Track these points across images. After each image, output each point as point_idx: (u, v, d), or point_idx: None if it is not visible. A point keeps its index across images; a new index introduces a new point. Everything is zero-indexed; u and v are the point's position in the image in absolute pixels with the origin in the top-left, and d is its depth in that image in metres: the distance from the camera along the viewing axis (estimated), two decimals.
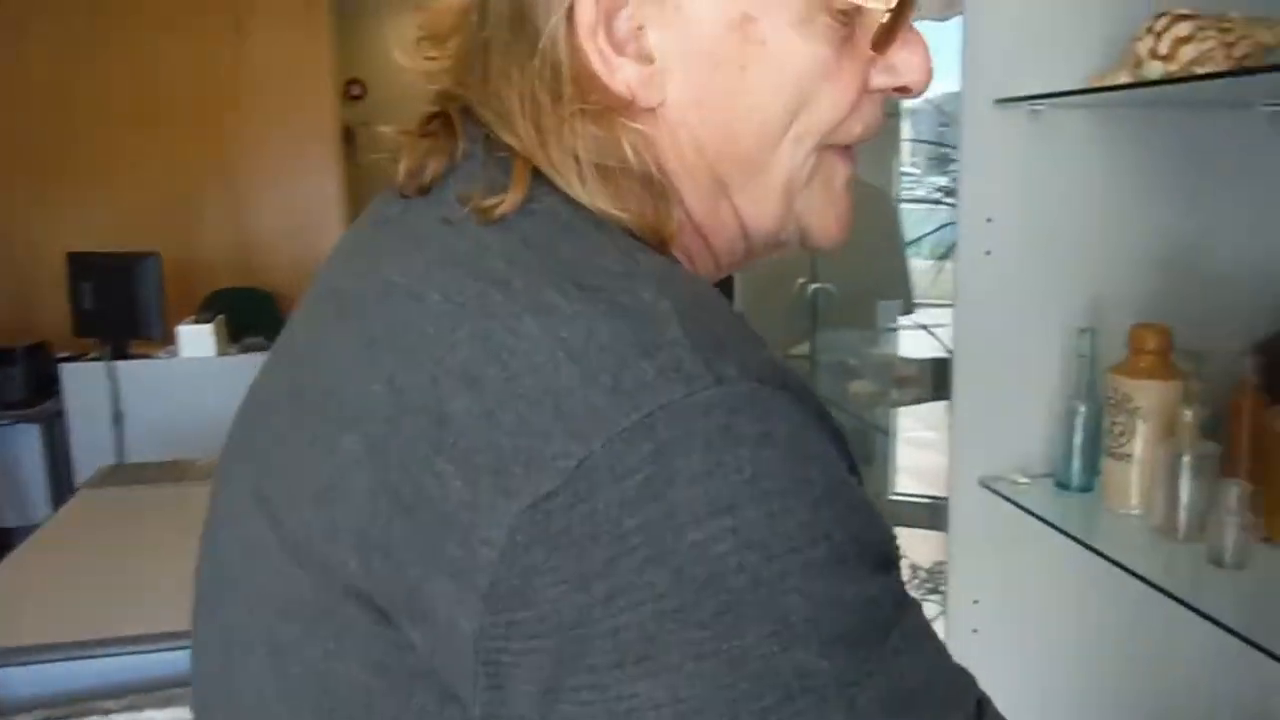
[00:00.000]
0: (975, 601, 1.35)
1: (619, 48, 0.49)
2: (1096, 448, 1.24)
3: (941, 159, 2.72)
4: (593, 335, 0.39)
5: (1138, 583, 1.05)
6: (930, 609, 2.59)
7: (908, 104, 2.59)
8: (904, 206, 2.73)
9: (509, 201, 0.46)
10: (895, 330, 2.52)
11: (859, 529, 0.40)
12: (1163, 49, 1.02)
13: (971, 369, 1.29)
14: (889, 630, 0.40)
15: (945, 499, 1.39)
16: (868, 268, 2.54)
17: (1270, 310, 1.26)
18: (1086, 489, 1.25)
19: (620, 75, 0.49)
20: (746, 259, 0.56)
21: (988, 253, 1.25)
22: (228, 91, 4.53)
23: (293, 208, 4.74)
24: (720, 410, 0.38)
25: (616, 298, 0.41)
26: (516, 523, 0.37)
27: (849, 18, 0.50)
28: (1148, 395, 1.15)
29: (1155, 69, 1.04)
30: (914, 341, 2.71)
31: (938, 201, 2.68)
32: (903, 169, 2.73)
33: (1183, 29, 1.01)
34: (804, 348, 2.55)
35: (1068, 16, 1.20)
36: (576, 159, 0.47)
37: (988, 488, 1.30)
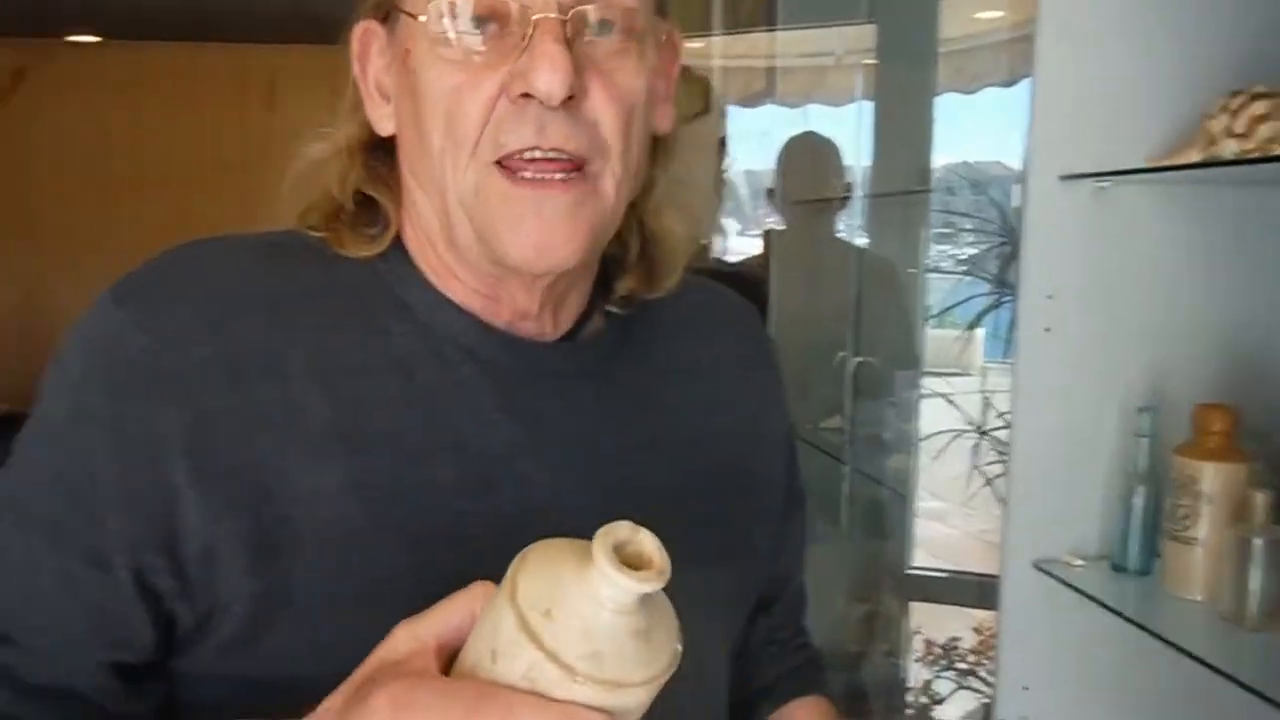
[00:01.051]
0: (1025, 688, 1.30)
1: (378, 89, 0.63)
2: (1155, 530, 1.20)
3: (967, 231, 2.73)
4: None
5: (1196, 670, 1.01)
6: (964, 697, 2.52)
7: (937, 175, 2.61)
8: (930, 277, 2.72)
9: None
10: (915, 401, 2.50)
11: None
12: (1238, 127, 1.01)
13: (1028, 447, 1.26)
14: None
15: (963, 573, 1.34)
16: (891, 339, 2.52)
17: None
18: (1144, 572, 1.21)
19: (373, 113, 0.63)
20: (494, 281, 0.62)
21: (1047, 329, 1.23)
22: (256, 156, 4.36)
23: None
24: None
25: None
26: None
27: (449, 31, 0.56)
28: (1215, 477, 1.11)
29: (1230, 147, 1.03)
30: (938, 412, 2.68)
31: (965, 273, 2.68)
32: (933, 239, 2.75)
33: (1259, 107, 1.00)
34: (835, 420, 2.52)
35: (1132, 92, 1.19)
36: None
37: (1042, 570, 1.26)
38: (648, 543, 0.43)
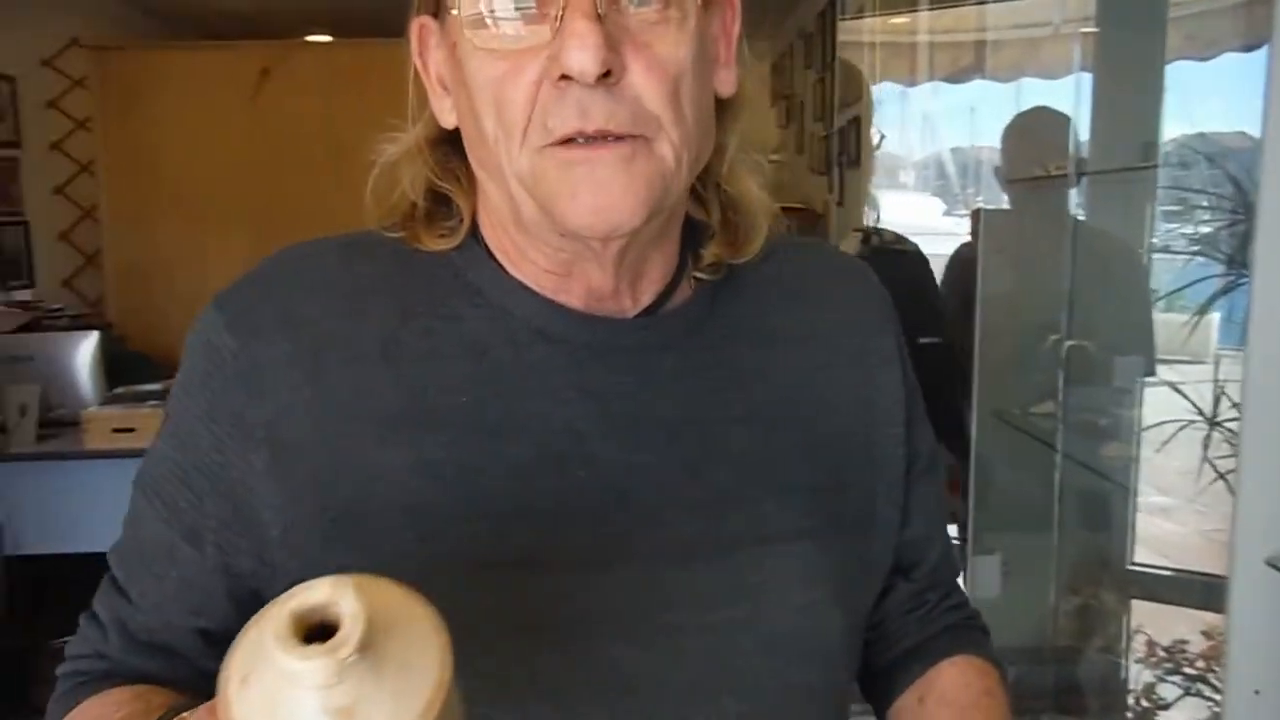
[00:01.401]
0: (1256, 692, 1.23)
1: (439, 82, 0.63)
2: None
3: (1201, 208, 2.54)
4: None
5: None
6: (1192, 704, 2.38)
7: (1166, 148, 2.43)
8: (1158, 258, 2.55)
9: None
10: (1138, 389, 2.35)
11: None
12: None
13: (1261, 438, 1.19)
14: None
15: (1190, 572, 1.28)
16: (1112, 322, 2.39)
17: None
18: None
19: (437, 106, 0.64)
20: (567, 258, 0.62)
21: None
22: (333, 147, 4.26)
23: None
24: None
25: None
26: None
27: (485, 23, 0.56)
28: None
29: None
30: (1162, 401, 2.52)
31: (1197, 253, 2.50)
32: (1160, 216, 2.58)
33: None
34: (1047, 406, 2.42)
35: None
36: None
37: (1275, 567, 1.19)
38: (345, 604, 0.36)
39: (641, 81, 0.56)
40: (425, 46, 0.63)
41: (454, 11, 0.57)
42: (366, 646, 0.35)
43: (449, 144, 0.64)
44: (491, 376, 0.61)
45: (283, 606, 0.36)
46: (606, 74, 0.54)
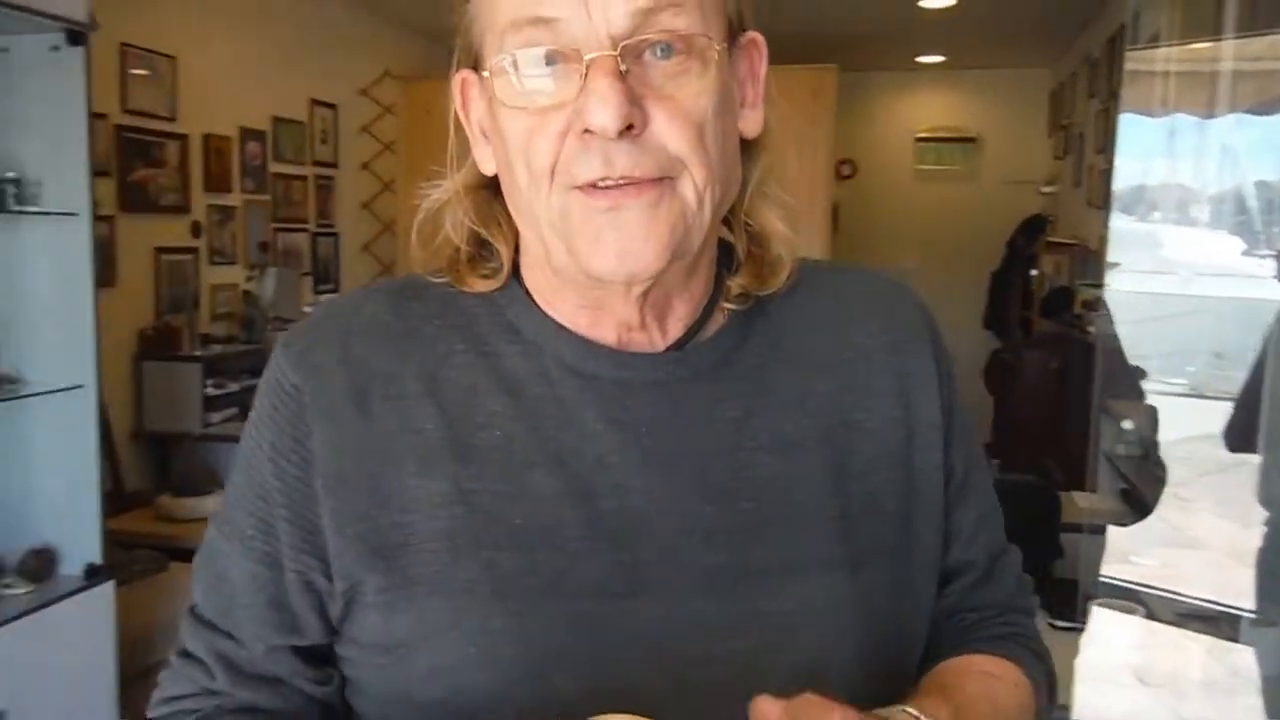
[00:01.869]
0: None
1: (481, 131, 0.68)
2: None
3: None
4: None
5: None
6: None
7: None
8: None
9: None
10: None
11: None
12: None
13: None
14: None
15: None
16: None
17: None
18: None
19: (478, 154, 0.69)
20: (596, 296, 0.66)
21: None
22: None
23: None
24: None
25: None
26: None
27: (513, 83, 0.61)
28: None
29: None
30: None
31: None
32: None
33: None
34: None
35: None
36: None
37: None
38: None
39: (665, 129, 0.59)
40: (467, 98, 0.67)
41: (485, 73, 0.63)
42: None
43: (490, 189, 0.69)
44: (526, 411, 0.65)
45: None
46: (630, 127, 0.58)
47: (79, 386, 2.48)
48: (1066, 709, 1.24)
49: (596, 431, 0.66)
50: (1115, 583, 1.26)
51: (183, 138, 4.06)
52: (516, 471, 0.65)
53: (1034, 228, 6.55)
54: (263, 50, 4.60)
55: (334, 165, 5.26)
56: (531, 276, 0.70)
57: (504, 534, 0.63)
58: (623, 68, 0.58)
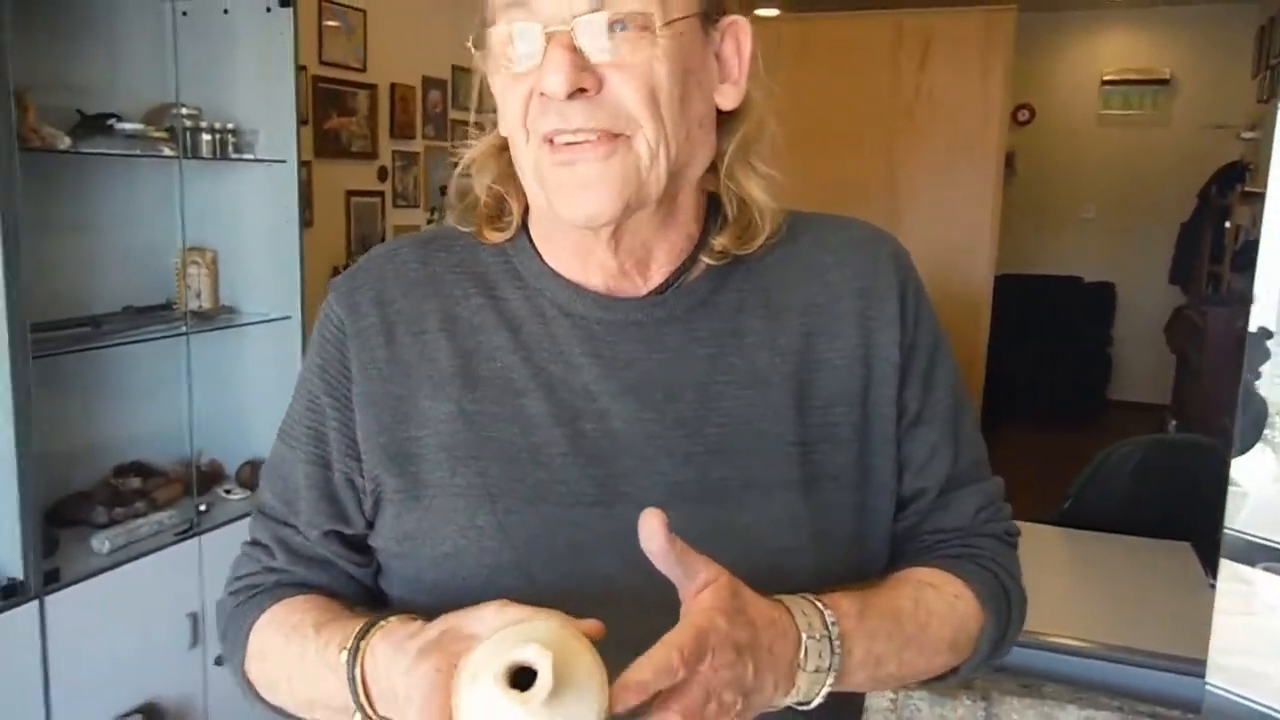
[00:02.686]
0: None
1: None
2: None
3: None
4: None
5: None
6: None
7: None
8: None
9: None
10: None
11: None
12: None
13: None
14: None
15: None
16: None
17: None
18: None
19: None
20: (578, 239, 0.77)
21: None
22: (903, 114, 4.45)
23: (948, 224, 4.43)
24: None
25: None
26: None
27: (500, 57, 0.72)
28: None
29: None
30: None
31: None
32: None
33: None
34: None
35: None
36: None
37: None
38: (543, 663, 0.54)
39: (620, 90, 0.69)
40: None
41: (477, 50, 0.74)
42: (555, 688, 0.53)
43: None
44: (523, 345, 0.77)
45: (503, 659, 0.55)
46: (581, 91, 0.68)
47: (286, 318, 2.75)
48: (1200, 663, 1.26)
49: (582, 364, 0.76)
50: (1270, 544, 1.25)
51: (371, 87, 4.32)
52: (512, 397, 0.76)
53: (1230, 177, 6.11)
54: (444, 1, 4.82)
55: None
56: (535, 229, 0.81)
57: (497, 449, 0.74)
58: (578, 41, 0.68)
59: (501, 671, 0.55)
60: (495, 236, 0.81)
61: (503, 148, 0.79)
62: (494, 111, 0.77)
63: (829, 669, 0.68)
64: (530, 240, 0.81)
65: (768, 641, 0.64)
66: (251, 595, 0.82)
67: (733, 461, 0.74)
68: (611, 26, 0.68)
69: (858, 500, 0.78)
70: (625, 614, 0.69)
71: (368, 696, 0.69)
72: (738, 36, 0.77)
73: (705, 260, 0.79)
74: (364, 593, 0.83)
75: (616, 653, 0.65)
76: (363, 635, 0.70)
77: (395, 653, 0.66)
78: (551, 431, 0.75)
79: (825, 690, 0.69)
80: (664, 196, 0.74)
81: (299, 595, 0.80)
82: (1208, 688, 1.26)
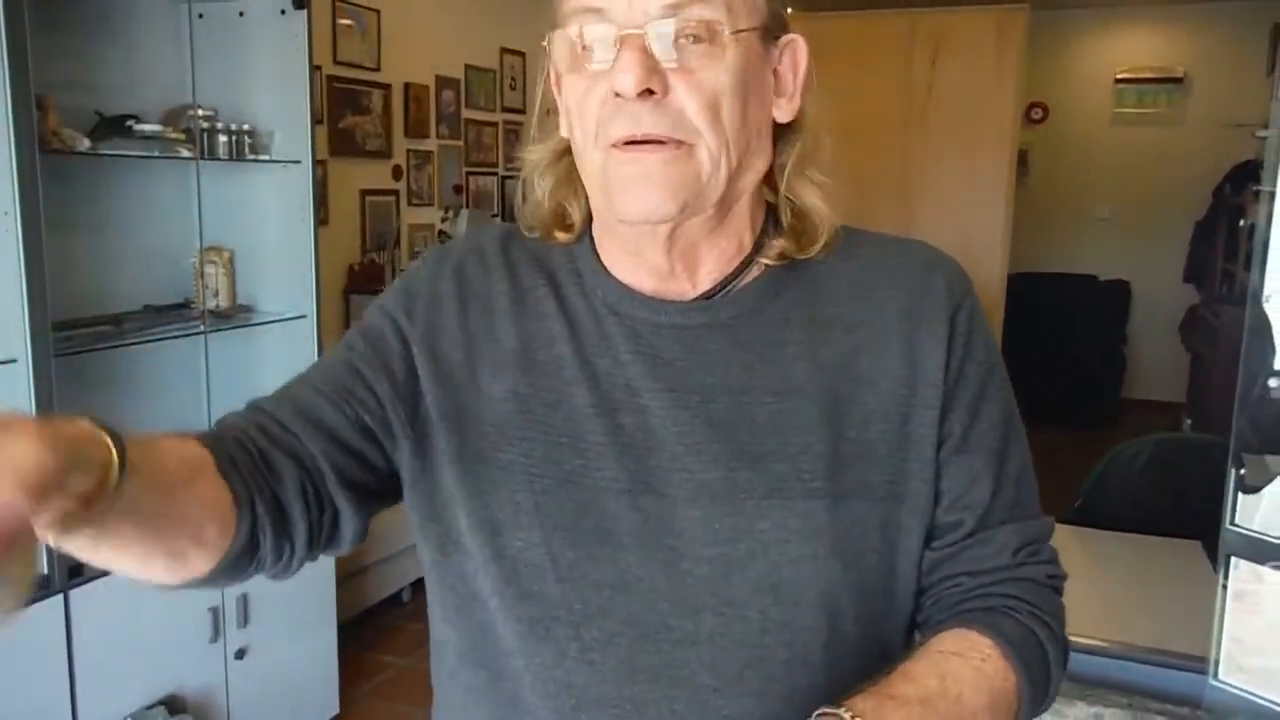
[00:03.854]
0: None
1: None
2: None
3: None
4: None
5: None
6: None
7: None
8: None
9: None
10: None
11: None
12: None
13: None
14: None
15: None
16: None
17: None
18: None
19: (562, 120, 0.81)
20: (633, 240, 0.80)
21: None
22: (915, 113, 4.48)
23: (961, 223, 4.44)
24: None
25: None
26: None
27: (573, 62, 0.75)
28: None
29: None
30: None
31: None
32: None
33: None
34: None
35: None
36: None
37: None
38: None
39: (684, 98, 0.72)
40: (557, 71, 0.79)
41: (544, 46, 0.77)
42: None
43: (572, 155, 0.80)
44: (576, 337, 0.81)
45: None
46: (650, 92, 0.71)
47: (302, 317, 2.78)
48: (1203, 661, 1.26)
49: (626, 360, 0.79)
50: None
51: (385, 87, 4.35)
52: (561, 384, 0.80)
53: (1244, 175, 6.08)
54: (457, 1, 4.85)
55: (522, 111, 5.45)
56: (597, 230, 0.84)
57: (541, 431, 0.79)
58: (650, 45, 0.71)
59: None
60: (562, 237, 0.85)
61: (562, 153, 0.83)
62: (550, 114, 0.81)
63: None
64: (592, 241, 0.85)
65: None
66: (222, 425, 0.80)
67: (759, 468, 0.76)
68: (682, 33, 0.71)
69: (887, 518, 0.78)
70: (638, 600, 0.75)
71: None
72: (795, 54, 0.80)
73: (763, 261, 0.81)
74: (299, 540, 0.77)
75: (623, 638, 0.68)
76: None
77: None
78: (593, 421, 0.78)
79: None
80: (719, 203, 0.77)
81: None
82: (1214, 684, 1.26)
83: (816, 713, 0.65)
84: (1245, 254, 5.64)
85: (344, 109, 4.13)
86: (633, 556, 0.75)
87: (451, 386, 0.81)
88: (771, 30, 0.77)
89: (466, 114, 4.98)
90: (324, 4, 3.89)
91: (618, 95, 0.71)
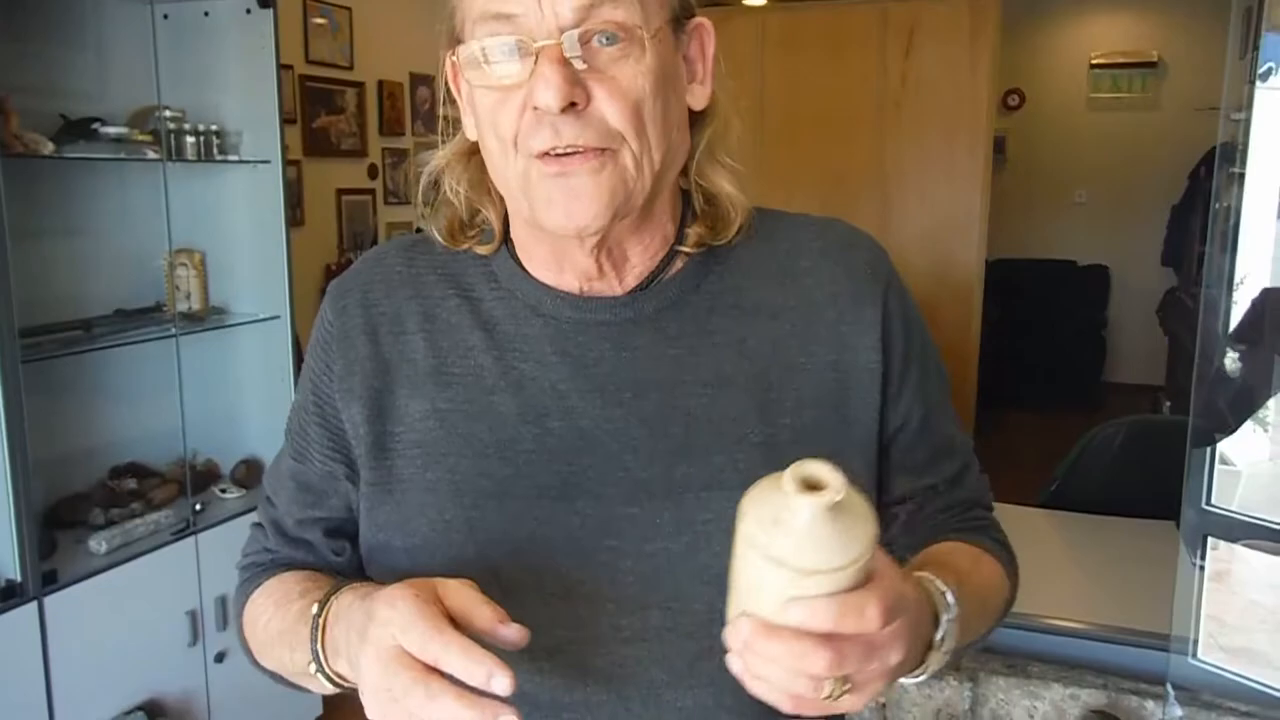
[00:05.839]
0: None
1: (469, 103, 0.77)
2: None
3: None
4: None
5: None
6: None
7: None
8: None
9: None
10: None
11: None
12: None
13: None
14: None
15: None
16: None
17: None
18: None
19: (466, 124, 0.79)
20: (559, 247, 0.77)
21: None
22: (890, 102, 4.52)
23: (939, 210, 4.45)
24: None
25: None
26: None
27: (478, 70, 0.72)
28: None
29: None
30: None
31: None
32: None
33: None
34: None
35: None
36: None
37: None
38: (834, 477, 0.55)
39: (606, 106, 0.69)
40: (457, 73, 0.76)
41: (452, 58, 0.74)
42: (841, 503, 0.55)
43: (480, 156, 0.78)
44: (496, 345, 0.78)
45: (796, 468, 0.56)
46: (573, 104, 0.68)
47: (276, 317, 2.77)
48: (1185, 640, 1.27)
49: (551, 363, 0.77)
50: (1263, 523, 1.27)
51: (359, 85, 4.33)
52: (482, 395, 0.77)
53: (1220, 158, 6.10)
54: None
55: None
56: (514, 233, 0.82)
57: (466, 445, 0.76)
58: (567, 54, 0.68)
59: (795, 477, 0.56)
60: (480, 250, 0.82)
61: (469, 153, 0.80)
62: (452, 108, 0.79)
63: (951, 649, 0.70)
64: (508, 244, 0.82)
65: (919, 618, 0.65)
66: (254, 571, 0.87)
67: (695, 460, 0.75)
68: (598, 40, 0.69)
69: None
70: (583, 604, 0.73)
71: (324, 645, 0.71)
72: (703, 37, 0.78)
73: (682, 251, 0.80)
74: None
75: (572, 644, 0.67)
76: (335, 590, 0.73)
77: (358, 598, 0.68)
78: (519, 429, 0.76)
79: (937, 668, 0.70)
80: (645, 202, 0.75)
81: (295, 570, 0.84)
82: (1193, 663, 1.27)
83: (922, 575, 0.70)
84: (1219, 236, 5.67)
85: (318, 108, 4.10)
86: (573, 562, 0.74)
87: (375, 420, 0.79)
88: (679, 17, 0.75)
89: (442, 111, 4.95)
90: (295, 3, 3.86)
91: (537, 109, 0.69)
